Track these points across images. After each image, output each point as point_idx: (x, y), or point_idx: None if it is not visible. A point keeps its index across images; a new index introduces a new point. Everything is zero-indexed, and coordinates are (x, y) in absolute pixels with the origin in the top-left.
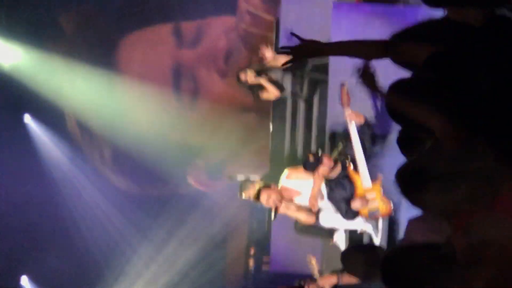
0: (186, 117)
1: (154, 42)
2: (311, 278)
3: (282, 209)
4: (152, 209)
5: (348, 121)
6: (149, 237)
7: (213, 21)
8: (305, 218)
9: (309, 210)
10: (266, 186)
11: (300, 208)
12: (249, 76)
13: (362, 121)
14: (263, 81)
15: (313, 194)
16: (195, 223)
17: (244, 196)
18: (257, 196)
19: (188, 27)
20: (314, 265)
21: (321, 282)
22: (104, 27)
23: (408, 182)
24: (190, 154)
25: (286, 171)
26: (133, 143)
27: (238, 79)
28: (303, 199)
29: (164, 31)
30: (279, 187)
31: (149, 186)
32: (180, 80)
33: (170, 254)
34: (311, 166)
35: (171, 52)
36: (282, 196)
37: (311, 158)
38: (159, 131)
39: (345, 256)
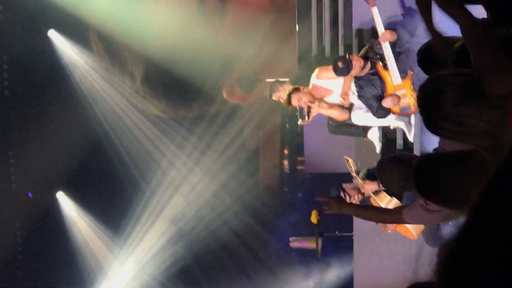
0: (214, 26)
1: None
2: (347, 182)
3: (315, 108)
4: (185, 129)
5: (381, 40)
6: (185, 153)
7: None
8: (338, 114)
9: (341, 106)
10: (296, 89)
11: (332, 105)
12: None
13: (395, 38)
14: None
15: (344, 90)
16: (229, 132)
17: (274, 97)
18: (288, 100)
19: None
20: (351, 165)
21: (363, 189)
22: None
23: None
24: (221, 68)
25: (316, 71)
26: (162, 60)
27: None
28: (334, 97)
29: None
30: (309, 87)
31: (182, 108)
32: None
33: (207, 165)
34: (341, 72)
35: None
36: (313, 96)
37: (340, 64)
38: (188, 46)
39: (381, 170)
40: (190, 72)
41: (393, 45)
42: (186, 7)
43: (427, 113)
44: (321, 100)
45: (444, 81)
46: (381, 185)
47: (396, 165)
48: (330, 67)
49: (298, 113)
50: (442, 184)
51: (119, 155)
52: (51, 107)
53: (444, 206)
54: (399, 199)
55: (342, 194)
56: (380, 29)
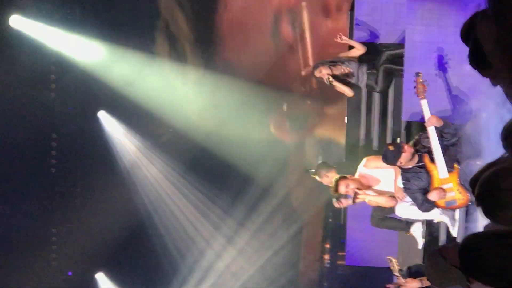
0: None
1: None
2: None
3: (362, 196)
4: (227, 213)
5: (427, 124)
6: (221, 230)
7: None
8: (385, 201)
9: (389, 195)
10: (343, 177)
11: (380, 193)
12: (323, 75)
13: (441, 124)
14: (336, 84)
15: (396, 185)
16: (271, 221)
17: (318, 178)
18: (336, 187)
19: None
20: (394, 265)
21: (405, 287)
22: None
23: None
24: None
25: (364, 160)
26: (207, 145)
27: (314, 75)
28: (382, 187)
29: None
30: (356, 176)
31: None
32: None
33: (244, 245)
34: (391, 155)
35: None
36: (361, 184)
37: (391, 147)
38: (236, 132)
39: (425, 260)
40: (234, 158)
41: (440, 138)
42: (241, 97)
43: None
44: (368, 188)
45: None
46: (423, 282)
47: (432, 257)
48: (379, 156)
49: (331, 192)
50: (488, 260)
51: (159, 236)
52: (96, 186)
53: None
54: None
55: None
56: (427, 114)
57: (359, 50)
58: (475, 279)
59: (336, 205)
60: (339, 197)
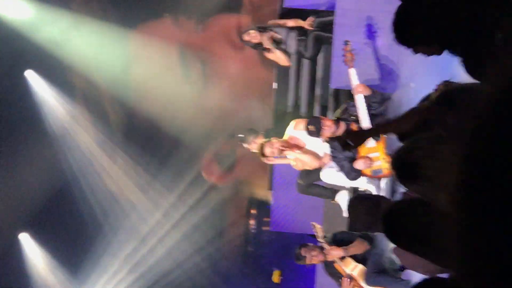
0: (193, 78)
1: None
2: (310, 244)
3: (288, 152)
4: (153, 176)
5: (354, 92)
6: (151, 200)
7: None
8: (310, 160)
9: (314, 154)
10: (267, 141)
11: (305, 151)
12: (253, 37)
13: (369, 93)
14: (273, 50)
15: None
16: (197, 184)
17: (246, 145)
18: (262, 150)
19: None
20: (319, 232)
21: (329, 255)
22: None
23: (403, 173)
24: (194, 120)
25: (293, 122)
26: (140, 109)
27: (242, 39)
28: (309, 149)
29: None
30: (285, 137)
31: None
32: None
33: (170, 208)
34: (313, 134)
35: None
36: (288, 144)
37: (311, 128)
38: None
39: (352, 204)
40: (167, 124)
41: (368, 107)
42: (169, 58)
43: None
44: (294, 148)
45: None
46: (347, 251)
47: (364, 200)
48: (306, 120)
49: (258, 156)
50: (407, 227)
51: (84, 197)
52: (22, 146)
53: (409, 250)
54: (364, 264)
55: (303, 250)
56: (355, 83)
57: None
58: (395, 244)
59: (264, 161)
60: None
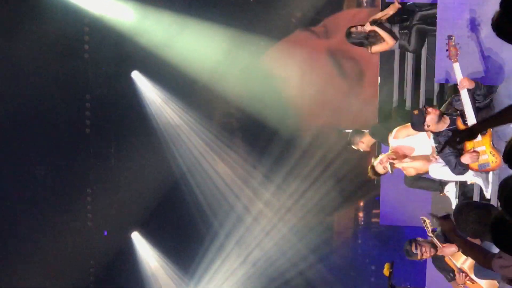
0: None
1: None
2: (421, 239)
3: (398, 164)
4: (262, 174)
5: (459, 86)
6: (260, 197)
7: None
8: (421, 165)
9: (424, 158)
10: (377, 159)
11: (414, 159)
12: (361, 27)
13: (473, 86)
14: (378, 29)
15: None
16: (305, 181)
17: (354, 146)
18: (374, 172)
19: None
20: (428, 226)
21: (441, 251)
22: None
23: None
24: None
25: (393, 132)
26: (245, 106)
27: (349, 34)
28: (417, 153)
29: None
30: (389, 151)
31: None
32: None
33: (279, 206)
34: (417, 121)
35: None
36: (395, 155)
37: (416, 112)
38: (270, 93)
39: (459, 211)
40: (271, 117)
41: (473, 100)
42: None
43: None
44: (404, 158)
45: None
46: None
47: (474, 208)
48: (406, 125)
49: (371, 176)
50: None
51: (194, 196)
52: (131, 146)
53: None
54: None
55: (413, 246)
56: (459, 77)
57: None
58: (505, 251)
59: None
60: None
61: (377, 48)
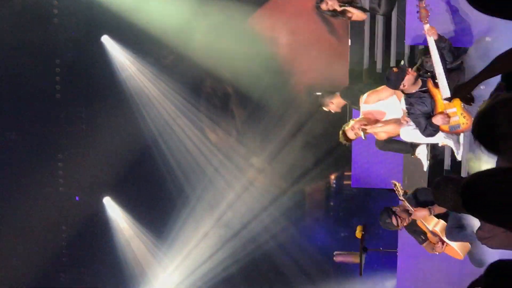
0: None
1: None
2: (397, 209)
3: (370, 130)
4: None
5: (427, 36)
6: (232, 161)
7: None
8: (393, 128)
9: (395, 121)
10: (348, 125)
11: (386, 122)
12: (331, 5)
13: (436, 36)
14: (348, 8)
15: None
16: (275, 145)
17: (325, 108)
18: (345, 137)
19: None
20: (399, 189)
21: (414, 217)
22: None
23: (483, 137)
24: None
25: (363, 97)
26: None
27: (319, 8)
28: (388, 117)
29: None
30: (360, 115)
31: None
32: None
33: (251, 169)
34: (395, 78)
35: None
36: (367, 121)
37: (396, 69)
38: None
39: (438, 185)
40: (244, 85)
41: (444, 62)
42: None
43: (484, 135)
44: (376, 122)
45: (499, 104)
46: (432, 210)
47: (450, 181)
48: (376, 89)
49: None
50: (487, 199)
51: (166, 161)
52: (101, 111)
53: (490, 222)
54: (445, 220)
55: (394, 218)
56: (427, 27)
57: None
58: (475, 215)
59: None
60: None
61: (353, 12)
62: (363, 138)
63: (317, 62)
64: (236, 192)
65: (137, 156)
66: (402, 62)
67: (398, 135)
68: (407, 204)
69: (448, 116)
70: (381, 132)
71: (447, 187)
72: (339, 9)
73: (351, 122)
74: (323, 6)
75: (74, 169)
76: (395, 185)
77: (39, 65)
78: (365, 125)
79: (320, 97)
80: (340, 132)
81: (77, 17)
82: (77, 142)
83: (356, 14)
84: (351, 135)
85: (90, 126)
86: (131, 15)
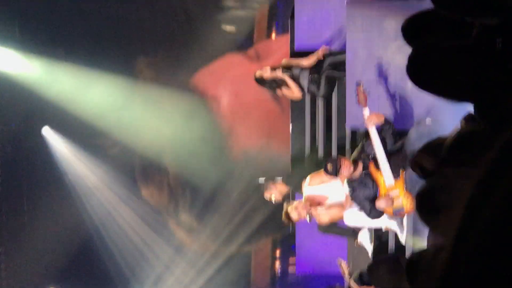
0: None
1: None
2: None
3: (314, 213)
4: (177, 225)
5: (367, 123)
6: (170, 240)
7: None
8: (337, 212)
9: (338, 205)
10: (291, 206)
11: (330, 206)
12: (265, 71)
13: (382, 121)
14: (288, 79)
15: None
16: (219, 224)
17: (267, 196)
18: (287, 217)
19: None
20: (344, 269)
21: None
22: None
23: (424, 211)
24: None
25: (307, 179)
26: (158, 159)
27: (256, 78)
28: (332, 200)
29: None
30: (304, 197)
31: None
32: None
33: (193, 256)
34: (332, 172)
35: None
36: (311, 203)
37: (330, 166)
38: (185, 146)
39: (371, 269)
40: (186, 169)
41: (384, 145)
42: (179, 108)
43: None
44: (318, 205)
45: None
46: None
47: (383, 263)
48: (320, 171)
49: (284, 221)
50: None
51: (108, 248)
52: (44, 202)
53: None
54: None
55: None
56: (366, 113)
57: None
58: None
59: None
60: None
61: (285, 92)
62: (308, 221)
63: (258, 132)
64: (179, 280)
65: (80, 246)
66: (337, 158)
67: (341, 218)
68: (352, 283)
69: (392, 199)
70: (324, 215)
71: (380, 270)
72: (280, 76)
73: (295, 203)
74: (257, 74)
75: (17, 262)
76: (340, 264)
77: None
78: (309, 207)
79: (264, 184)
80: (283, 212)
81: (17, 108)
82: (19, 234)
83: (293, 90)
84: (294, 215)
85: (32, 218)
86: (70, 104)
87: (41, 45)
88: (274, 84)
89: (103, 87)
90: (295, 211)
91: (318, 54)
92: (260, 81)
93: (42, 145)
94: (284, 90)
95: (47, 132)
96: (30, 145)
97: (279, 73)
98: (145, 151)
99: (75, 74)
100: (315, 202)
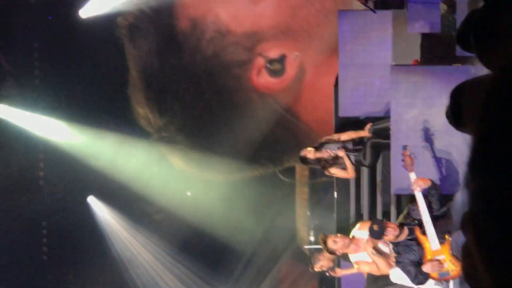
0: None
1: None
2: None
3: (362, 252)
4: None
5: (414, 188)
6: None
7: None
8: (384, 265)
9: (386, 260)
10: (331, 235)
11: (379, 256)
12: (309, 153)
13: (428, 185)
14: (334, 172)
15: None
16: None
17: (316, 268)
18: (325, 245)
19: None
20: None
21: None
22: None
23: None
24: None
25: (358, 224)
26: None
27: (302, 160)
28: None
29: None
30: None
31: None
32: None
33: None
34: (375, 235)
35: None
36: (352, 243)
37: (376, 227)
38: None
39: None
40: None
41: (430, 210)
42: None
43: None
44: (360, 248)
45: None
46: None
47: None
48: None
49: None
50: None
51: None
52: (89, 272)
53: None
54: None
55: None
56: (413, 177)
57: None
58: None
59: (330, 274)
60: (332, 253)
61: (336, 171)
62: (343, 271)
63: (306, 215)
64: None
65: None
66: (383, 220)
67: (388, 274)
68: None
69: (440, 263)
70: (373, 264)
71: None
72: (341, 154)
73: (338, 235)
74: (302, 153)
75: None
76: None
77: (25, 227)
78: (348, 245)
79: (312, 257)
80: (320, 238)
81: (63, 178)
82: None
83: (349, 171)
84: (330, 244)
85: (78, 286)
86: (115, 172)
87: (86, 115)
88: (326, 164)
89: (145, 154)
90: (330, 239)
91: (363, 132)
92: (304, 160)
93: (88, 215)
94: (334, 170)
95: (92, 201)
96: (76, 214)
97: (340, 153)
98: (190, 219)
99: (117, 142)
100: (359, 246)
